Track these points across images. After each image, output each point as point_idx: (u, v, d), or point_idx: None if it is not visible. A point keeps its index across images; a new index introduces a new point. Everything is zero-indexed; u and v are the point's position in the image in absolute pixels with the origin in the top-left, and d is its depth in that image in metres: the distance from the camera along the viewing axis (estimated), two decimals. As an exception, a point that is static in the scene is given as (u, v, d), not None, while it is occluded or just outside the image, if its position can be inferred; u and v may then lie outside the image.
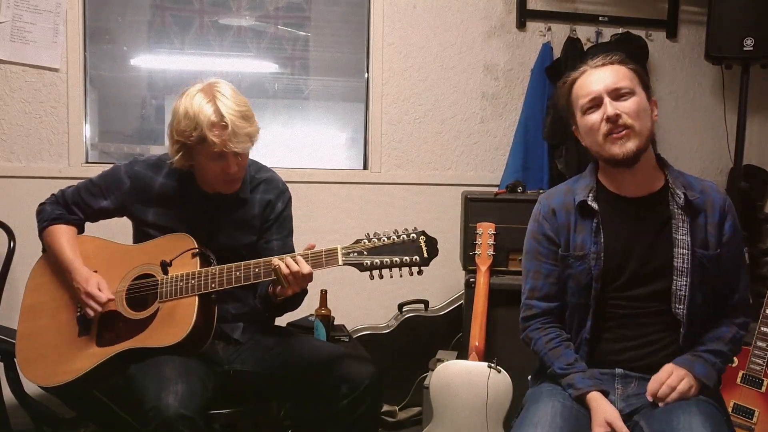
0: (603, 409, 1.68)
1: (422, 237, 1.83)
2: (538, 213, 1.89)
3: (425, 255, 1.82)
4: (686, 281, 1.72)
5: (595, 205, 1.78)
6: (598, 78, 1.75)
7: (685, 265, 1.73)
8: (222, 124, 1.89)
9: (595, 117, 1.74)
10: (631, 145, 1.71)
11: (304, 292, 2.00)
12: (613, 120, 1.70)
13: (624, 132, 1.70)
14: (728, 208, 1.80)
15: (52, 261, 2.11)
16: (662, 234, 1.76)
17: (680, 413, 1.62)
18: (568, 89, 1.81)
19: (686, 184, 1.80)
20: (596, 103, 1.74)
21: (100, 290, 1.98)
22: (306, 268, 1.85)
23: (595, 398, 1.70)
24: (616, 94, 1.72)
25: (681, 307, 1.73)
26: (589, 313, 1.78)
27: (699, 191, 1.79)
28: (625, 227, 1.78)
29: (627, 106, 1.72)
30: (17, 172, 2.96)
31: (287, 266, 1.85)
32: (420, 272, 1.84)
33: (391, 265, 1.82)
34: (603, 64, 1.77)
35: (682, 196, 1.75)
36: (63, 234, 2.09)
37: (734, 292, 1.81)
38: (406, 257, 1.82)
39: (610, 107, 1.71)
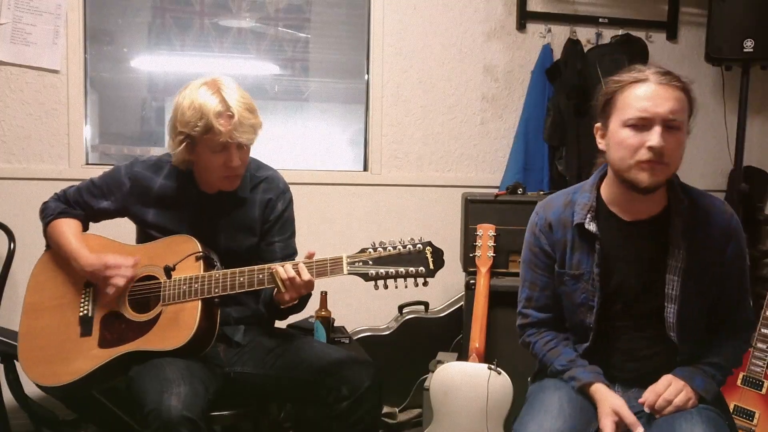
0: (608, 397, 1.67)
1: (428, 248, 1.81)
2: (534, 225, 1.84)
3: (431, 266, 1.80)
4: (674, 308, 1.69)
5: (593, 228, 1.72)
6: (659, 98, 1.59)
7: (675, 292, 1.69)
8: (228, 113, 1.91)
9: (635, 137, 1.60)
10: (659, 180, 1.62)
11: (309, 294, 1.99)
12: (656, 152, 1.58)
13: (659, 167, 1.61)
14: (733, 230, 1.73)
15: (55, 257, 2.11)
16: (658, 259, 1.71)
17: (682, 422, 1.62)
18: (618, 88, 1.64)
19: (691, 204, 1.72)
20: (645, 123, 1.59)
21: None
22: (306, 275, 1.84)
23: (599, 389, 1.70)
24: (668, 125, 1.59)
25: (672, 334, 1.71)
26: (590, 334, 1.76)
27: (704, 212, 1.72)
28: (622, 250, 1.73)
29: (672, 141, 1.59)
30: (17, 173, 2.96)
31: (286, 272, 1.84)
32: (425, 284, 1.82)
33: (396, 276, 1.80)
34: (668, 84, 1.60)
35: (681, 223, 1.69)
36: (68, 226, 2.09)
37: (736, 312, 1.79)
38: (412, 268, 1.80)
39: (658, 138, 1.57)
